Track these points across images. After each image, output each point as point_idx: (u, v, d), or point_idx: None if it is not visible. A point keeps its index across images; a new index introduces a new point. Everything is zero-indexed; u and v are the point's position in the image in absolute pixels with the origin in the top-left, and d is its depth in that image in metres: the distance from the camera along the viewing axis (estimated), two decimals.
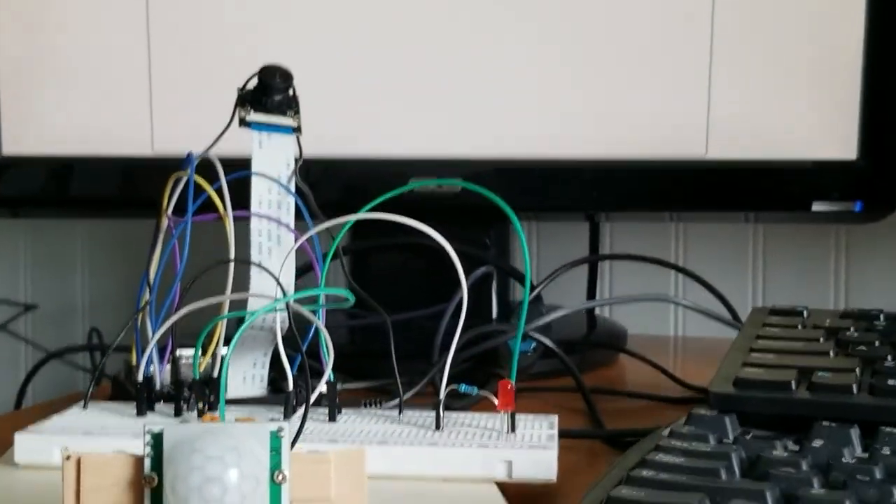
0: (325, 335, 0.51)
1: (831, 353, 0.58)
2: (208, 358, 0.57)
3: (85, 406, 0.56)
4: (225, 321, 0.56)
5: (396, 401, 0.60)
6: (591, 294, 0.95)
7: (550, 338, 0.73)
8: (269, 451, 0.37)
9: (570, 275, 0.91)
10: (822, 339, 0.61)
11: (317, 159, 0.65)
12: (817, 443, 0.48)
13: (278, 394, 0.62)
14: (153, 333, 0.58)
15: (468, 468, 0.49)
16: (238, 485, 0.36)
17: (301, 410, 0.51)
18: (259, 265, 0.56)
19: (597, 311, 0.97)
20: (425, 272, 0.89)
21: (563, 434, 0.58)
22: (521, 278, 0.84)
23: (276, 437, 0.37)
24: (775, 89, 0.81)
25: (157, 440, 0.37)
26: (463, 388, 0.52)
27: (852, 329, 0.62)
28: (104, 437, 0.51)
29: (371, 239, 0.92)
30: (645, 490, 0.41)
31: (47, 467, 0.51)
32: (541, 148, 0.82)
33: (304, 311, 0.51)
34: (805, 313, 0.67)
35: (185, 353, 0.69)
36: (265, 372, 0.63)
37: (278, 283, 0.54)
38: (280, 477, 0.37)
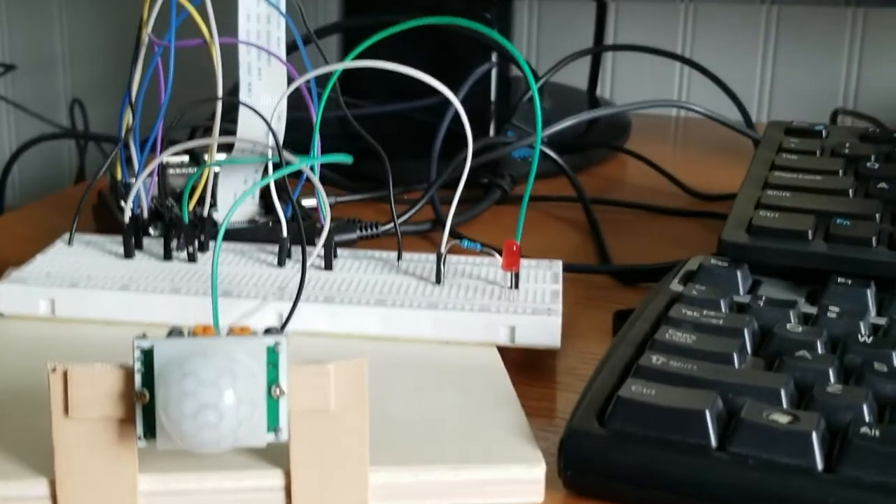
0: (323, 196, 0.48)
1: (851, 192, 0.56)
2: (198, 194, 0.54)
3: (70, 243, 0.54)
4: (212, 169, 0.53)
5: (390, 224, 0.58)
6: (592, 84, 0.91)
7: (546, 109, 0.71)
8: (266, 365, 0.35)
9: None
10: (841, 172, 0.58)
11: None
12: (832, 311, 0.46)
13: (270, 213, 0.60)
14: (138, 165, 0.55)
15: (470, 333, 0.47)
16: (234, 409, 0.34)
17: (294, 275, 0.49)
18: (248, 106, 0.52)
19: (598, 92, 0.94)
20: (424, 57, 0.85)
21: (567, 268, 0.57)
22: (531, 70, 0.80)
23: (272, 352, 0.35)
24: None
25: (147, 356, 0.35)
26: (465, 243, 0.50)
27: (873, 159, 0.59)
28: (91, 289, 0.49)
29: (365, 15, 0.87)
30: (655, 386, 0.39)
31: (32, 318, 0.49)
32: None
33: (292, 158, 0.48)
34: (824, 133, 0.64)
35: (175, 160, 0.66)
36: (256, 189, 0.60)
37: (270, 129, 0.50)
38: (277, 392, 0.35)
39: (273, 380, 0.35)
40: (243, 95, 0.56)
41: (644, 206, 0.70)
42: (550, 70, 0.78)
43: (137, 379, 0.35)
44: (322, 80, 0.52)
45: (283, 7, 0.56)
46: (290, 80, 0.55)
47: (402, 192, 0.70)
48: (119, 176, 0.61)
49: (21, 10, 1.17)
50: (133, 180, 0.60)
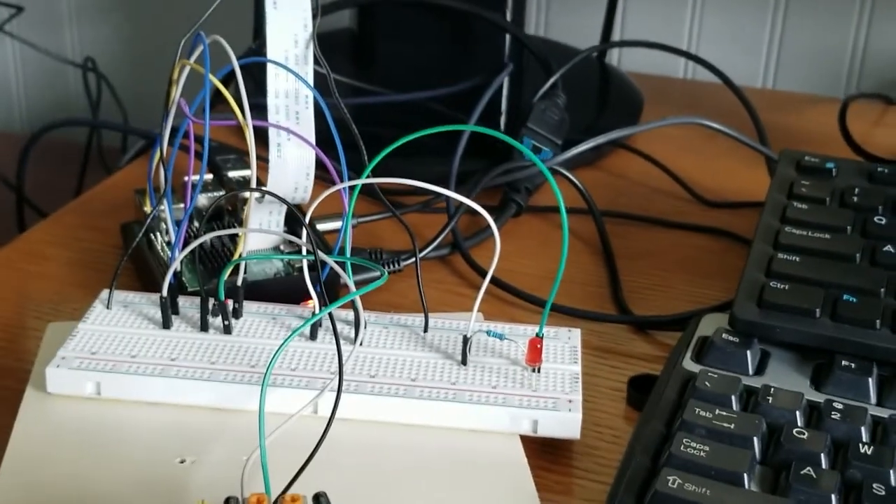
0: (359, 304, 0.50)
1: (858, 257, 0.58)
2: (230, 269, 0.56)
3: (108, 306, 0.56)
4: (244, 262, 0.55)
5: (411, 259, 0.60)
6: (606, 36, 0.91)
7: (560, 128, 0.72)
8: None
9: (582, 11, 0.87)
10: (849, 228, 0.60)
11: None
12: (836, 410, 0.49)
13: (295, 249, 0.62)
14: (175, 245, 0.56)
15: (494, 424, 0.50)
16: None
17: (329, 384, 0.51)
18: (272, 194, 0.54)
19: (607, 58, 0.94)
20: (439, 39, 0.86)
21: (582, 316, 0.59)
22: (542, 60, 0.81)
23: None
24: None
25: None
26: (491, 333, 0.53)
27: (880, 210, 0.61)
28: (134, 374, 0.51)
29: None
30: None
31: (82, 398, 0.52)
32: None
33: (328, 260, 0.50)
34: (833, 171, 0.66)
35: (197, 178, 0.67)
36: (281, 219, 0.62)
37: (310, 239, 0.52)
38: None
39: None
40: (273, 153, 0.58)
41: (655, 221, 0.72)
42: (567, 65, 0.79)
43: None
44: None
45: (310, 67, 0.57)
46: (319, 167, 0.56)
47: (421, 208, 0.71)
48: (147, 208, 0.63)
49: None
50: (162, 209, 0.62)
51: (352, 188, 0.53)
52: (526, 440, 0.50)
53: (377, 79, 0.83)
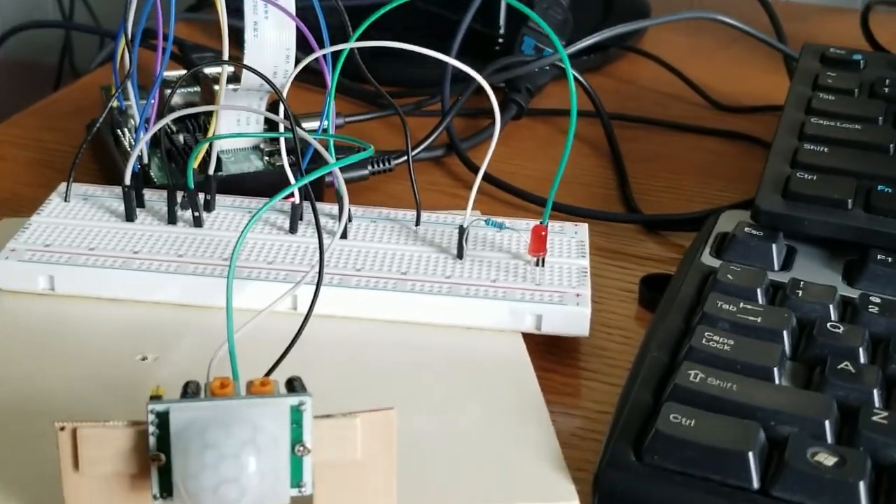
0: (342, 184, 0.45)
1: (892, 148, 0.53)
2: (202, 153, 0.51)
3: (66, 199, 0.51)
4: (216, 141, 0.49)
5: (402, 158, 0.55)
6: None
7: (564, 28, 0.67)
8: (290, 424, 0.33)
9: None
10: (881, 119, 0.55)
11: None
12: (873, 304, 0.44)
13: (276, 147, 0.57)
14: (138, 126, 0.51)
15: (494, 320, 0.45)
16: (257, 482, 0.32)
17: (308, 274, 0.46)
18: (253, 70, 0.48)
19: None
20: None
21: (590, 215, 0.54)
22: None
23: (296, 411, 0.33)
24: None
25: (161, 419, 0.32)
26: (490, 223, 0.47)
27: None
28: (91, 266, 0.46)
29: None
30: (694, 415, 0.38)
31: (31, 293, 0.46)
32: None
33: (309, 138, 0.44)
34: (861, 63, 0.60)
35: (172, 75, 0.62)
36: (261, 115, 0.57)
37: (282, 100, 0.47)
38: (301, 450, 0.33)
39: (297, 438, 0.33)
40: (248, 34, 0.52)
41: (668, 124, 0.67)
42: None
43: (152, 441, 0.33)
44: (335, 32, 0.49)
45: None
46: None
47: (413, 109, 0.66)
48: (115, 103, 0.57)
49: None
50: (129, 103, 0.57)
51: (335, 58, 0.47)
52: (529, 339, 0.45)
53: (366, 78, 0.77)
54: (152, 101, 0.49)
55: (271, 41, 0.52)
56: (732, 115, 0.69)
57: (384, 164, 0.58)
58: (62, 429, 0.33)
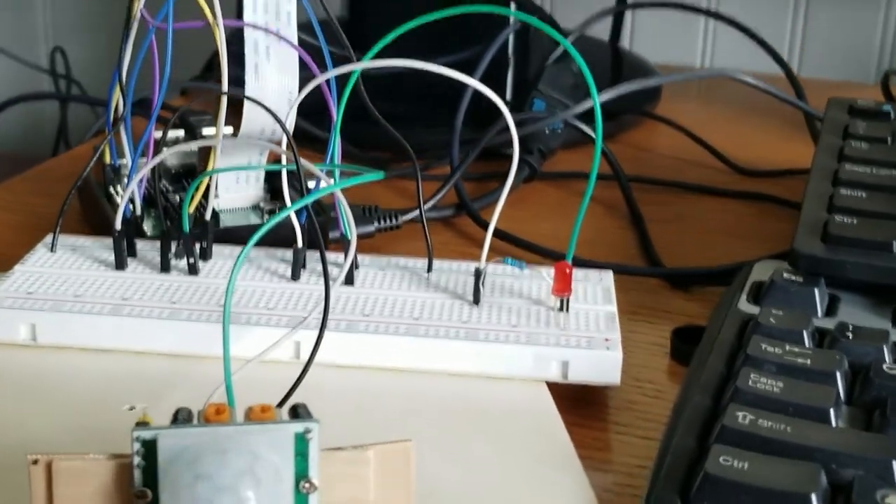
0: (346, 209, 0.41)
1: None
2: (196, 204, 0.47)
3: (53, 249, 0.47)
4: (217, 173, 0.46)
5: (412, 213, 0.52)
6: (615, 37, 0.83)
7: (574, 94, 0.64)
8: (294, 455, 0.29)
9: (585, 12, 0.80)
10: None
11: None
12: None
13: (276, 197, 0.53)
14: (131, 166, 0.48)
15: (516, 368, 0.41)
16: None
17: (314, 311, 0.43)
18: (255, 101, 0.45)
19: (621, 43, 0.87)
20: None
21: (617, 269, 0.50)
22: (550, 25, 0.73)
23: (301, 440, 0.29)
24: None
25: (149, 449, 0.28)
26: (509, 262, 0.44)
27: None
28: (77, 313, 0.42)
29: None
30: (746, 457, 0.34)
31: (11, 344, 0.43)
32: None
33: (313, 169, 0.41)
34: (892, 113, 0.58)
35: (170, 136, 0.59)
36: (261, 171, 0.54)
37: (284, 129, 0.43)
38: (307, 487, 0.29)
39: (302, 473, 0.29)
40: (249, 76, 0.49)
41: (688, 186, 0.64)
42: (581, 26, 0.71)
43: (137, 475, 0.29)
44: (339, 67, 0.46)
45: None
46: (302, 67, 0.48)
47: (425, 168, 0.63)
48: (108, 158, 0.54)
49: None
50: (123, 161, 0.54)
51: (343, 84, 0.44)
52: (553, 391, 0.41)
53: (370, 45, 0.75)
54: (148, 135, 0.46)
55: (273, 86, 0.49)
56: (753, 179, 0.66)
57: (391, 221, 0.55)
58: (35, 462, 0.29)
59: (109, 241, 0.47)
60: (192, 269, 0.45)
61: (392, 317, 0.42)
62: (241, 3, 0.49)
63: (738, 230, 0.59)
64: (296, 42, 0.48)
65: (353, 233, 0.40)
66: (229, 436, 0.28)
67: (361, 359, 0.41)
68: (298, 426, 0.29)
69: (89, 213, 0.55)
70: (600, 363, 0.41)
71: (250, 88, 0.49)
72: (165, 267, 0.46)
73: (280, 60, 0.49)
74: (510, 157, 0.62)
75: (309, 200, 0.35)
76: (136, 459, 0.28)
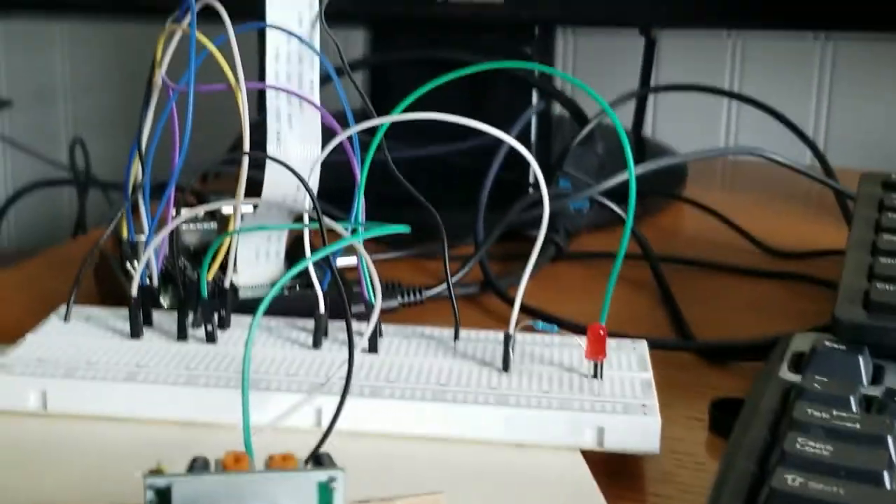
0: (371, 269, 0.40)
1: None
2: (215, 271, 0.46)
3: (66, 318, 0.46)
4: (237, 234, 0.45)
5: (437, 288, 0.51)
6: (638, 124, 0.83)
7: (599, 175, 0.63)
8: None
9: (607, 96, 0.79)
10: None
11: None
12: None
13: (297, 281, 0.52)
14: (148, 228, 0.47)
15: (549, 435, 0.39)
16: None
17: (335, 374, 0.41)
18: (278, 161, 0.44)
19: (644, 130, 0.86)
20: (458, 96, 0.78)
21: (651, 343, 0.48)
22: (574, 110, 0.72)
23: (325, 490, 0.27)
24: None
25: (162, 497, 0.27)
26: (541, 325, 0.42)
27: None
28: (90, 379, 0.40)
29: (393, 50, 0.79)
30: None
31: (21, 413, 0.41)
32: None
33: (337, 227, 0.40)
34: None
35: (188, 213, 0.58)
36: (281, 246, 0.53)
37: (307, 188, 0.42)
38: None
39: None
40: (271, 146, 0.48)
41: (720, 266, 0.62)
42: (599, 114, 0.70)
43: None
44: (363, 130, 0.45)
45: (316, 44, 0.48)
46: (325, 129, 0.47)
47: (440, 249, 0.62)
48: (125, 233, 0.53)
49: (21, 43, 1.09)
50: (140, 238, 0.52)
51: (368, 142, 0.43)
52: (588, 460, 0.39)
53: (393, 137, 0.74)
54: (170, 194, 0.45)
55: (295, 154, 0.48)
56: (784, 261, 0.64)
57: (415, 296, 0.53)
58: None
59: (125, 311, 0.46)
60: (210, 337, 0.44)
61: (418, 383, 0.41)
62: (263, 71, 0.48)
63: (772, 309, 0.58)
64: (318, 101, 0.47)
65: (377, 293, 0.39)
66: (248, 483, 0.27)
67: (386, 426, 0.39)
68: (322, 475, 0.27)
69: (105, 289, 0.54)
70: (638, 429, 0.39)
71: (271, 132, 0.48)
72: (182, 335, 0.44)
73: (303, 129, 0.48)
74: (534, 238, 0.61)
75: (329, 251, 0.33)
76: None
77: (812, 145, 0.69)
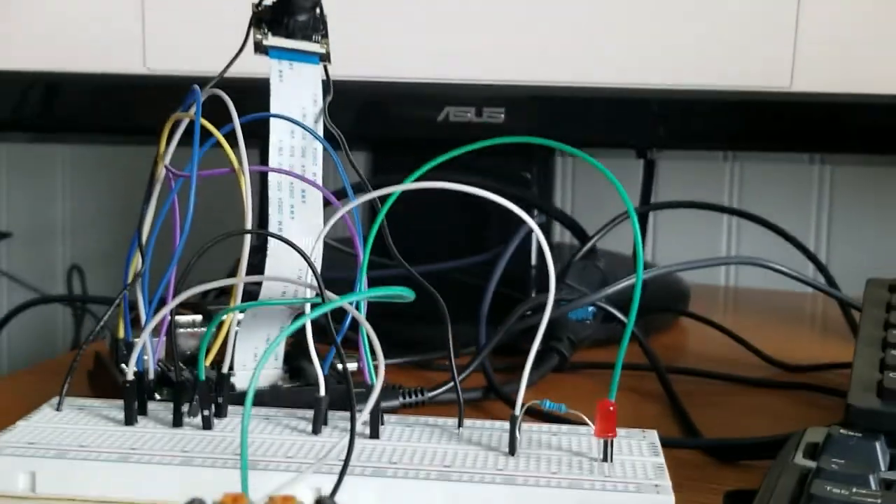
0: (372, 336, 0.39)
1: None
2: (217, 346, 0.45)
3: (59, 407, 0.44)
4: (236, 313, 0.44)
5: (443, 388, 0.49)
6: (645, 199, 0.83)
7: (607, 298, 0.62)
8: None
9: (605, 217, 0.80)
10: None
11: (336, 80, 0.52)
12: None
13: (296, 377, 0.51)
14: (146, 317, 0.46)
15: None
16: None
17: (339, 444, 0.40)
18: (282, 239, 0.44)
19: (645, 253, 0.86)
20: (455, 218, 0.78)
21: (661, 442, 0.47)
22: (573, 227, 0.72)
23: None
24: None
25: None
26: (547, 405, 0.41)
27: None
28: (82, 460, 0.39)
29: (393, 177, 0.79)
30: None
31: (8, 496, 0.39)
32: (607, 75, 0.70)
33: (347, 305, 0.39)
34: None
35: (185, 319, 0.57)
36: (280, 349, 0.51)
37: (310, 265, 0.42)
38: None
39: None
40: (272, 244, 0.48)
41: (727, 377, 0.61)
42: (607, 226, 0.70)
43: None
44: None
45: (319, 131, 0.48)
46: (328, 209, 0.47)
47: (442, 358, 0.61)
48: (121, 333, 0.52)
49: (22, 177, 1.10)
50: (137, 340, 0.51)
51: (373, 216, 0.43)
52: None
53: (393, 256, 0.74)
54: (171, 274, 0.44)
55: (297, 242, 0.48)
56: (791, 374, 0.63)
57: (417, 396, 0.52)
58: None
59: (118, 402, 0.44)
60: (207, 424, 0.42)
61: (422, 464, 0.39)
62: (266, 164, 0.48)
63: (781, 416, 0.56)
64: (320, 182, 0.46)
65: (380, 359, 0.38)
66: None
67: None
68: None
69: (100, 389, 0.53)
70: None
71: (273, 247, 0.48)
72: (178, 422, 0.43)
73: (303, 222, 0.48)
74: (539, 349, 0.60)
75: (331, 307, 0.33)
76: None
77: (814, 258, 0.69)
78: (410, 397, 0.52)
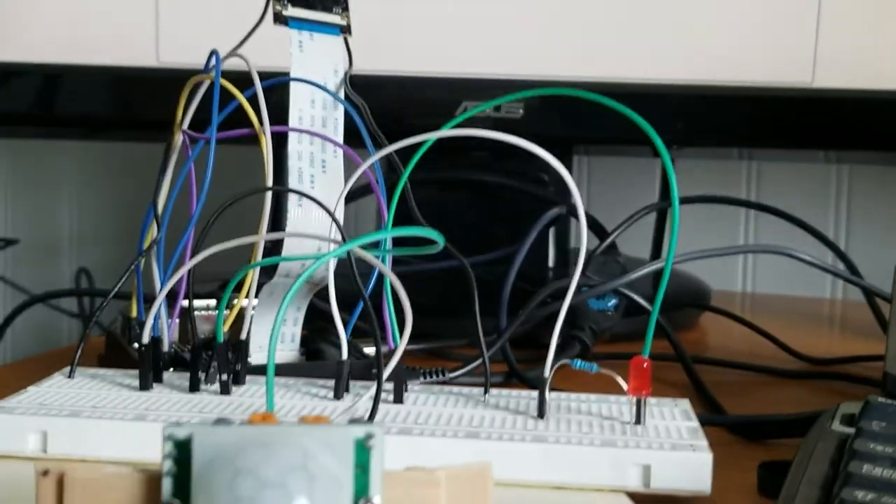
0: (398, 286, 0.37)
1: None
2: (234, 315, 0.44)
3: (71, 375, 0.43)
4: (257, 270, 0.43)
5: (465, 367, 0.48)
6: (657, 241, 0.82)
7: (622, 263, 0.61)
8: (353, 468, 0.24)
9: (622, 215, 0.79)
10: None
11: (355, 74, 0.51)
12: None
13: (313, 359, 0.49)
14: (161, 282, 0.45)
15: (591, 475, 0.36)
16: None
17: (365, 395, 0.38)
18: (306, 195, 0.42)
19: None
20: (474, 211, 0.77)
21: None
22: (592, 224, 0.71)
23: (362, 448, 0.24)
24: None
25: (182, 450, 0.24)
26: (578, 363, 0.40)
27: None
28: (96, 419, 0.38)
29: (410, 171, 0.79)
30: None
31: (18, 457, 0.38)
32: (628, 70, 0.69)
33: (369, 255, 0.38)
34: None
35: (200, 303, 0.56)
36: (297, 330, 0.50)
37: (334, 219, 0.41)
38: None
39: (363, 490, 0.24)
40: (292, 209, 0.47)
41: (753, 367, 0.60)
42: (626, 221, 0.69)
43: (167, 485, 0.24)
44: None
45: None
46: (351, 169, 0.46)
47: (458, 347, 0.60)
48: (134, 313, 0.51)
49: (28, 189, 1.09)
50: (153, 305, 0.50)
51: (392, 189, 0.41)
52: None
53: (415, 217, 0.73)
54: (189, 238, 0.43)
55: (316, 217, 0.47)
56: (817, 366, 0.62)
57: (439, 376, 0.50)
58: (45, 473, 0.24)
59: (132, 371, 0.43)
60: (225, 388, 0.41)
61: (449, 425, 0.38)
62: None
63: (809, 406, 0.55)
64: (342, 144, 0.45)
65: (407, 313, 0.36)
66: (278, 434, 0.24)
67: (415, 464, 0.36)
68: (359, 430, 0.24)
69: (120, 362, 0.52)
70: (688, 467, 0.36)
71: (293, 219, 0.46)
72: (194, 386, 0.41)
73: (324, 191, 0.47)
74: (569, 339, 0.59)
75: (356, 244, 0.31)
76: (167, 465, 0.24)
77: (835, 248, 0.67)
78: (432, 377, 0.50)
